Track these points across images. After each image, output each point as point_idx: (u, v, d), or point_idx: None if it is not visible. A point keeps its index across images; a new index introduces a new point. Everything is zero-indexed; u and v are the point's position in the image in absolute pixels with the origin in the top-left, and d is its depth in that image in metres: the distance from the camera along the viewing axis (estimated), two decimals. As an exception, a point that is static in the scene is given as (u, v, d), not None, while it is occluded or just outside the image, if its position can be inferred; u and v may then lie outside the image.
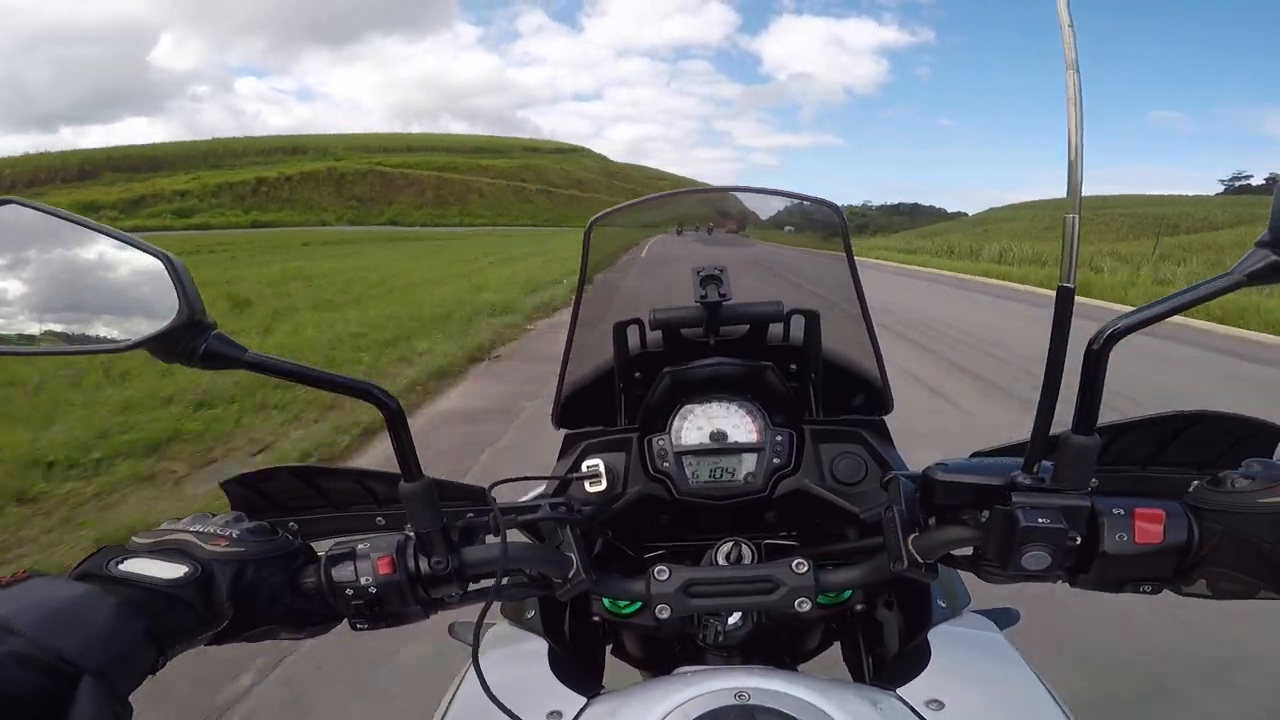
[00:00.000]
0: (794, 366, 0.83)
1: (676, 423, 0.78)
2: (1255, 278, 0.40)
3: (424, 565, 0.53)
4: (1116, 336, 0.42)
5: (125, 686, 0.40)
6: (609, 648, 0.88)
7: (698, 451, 0.77)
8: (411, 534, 0.54)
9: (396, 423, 0.49)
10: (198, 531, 0.50)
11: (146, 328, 0.43)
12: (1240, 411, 0.57)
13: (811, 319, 0.81)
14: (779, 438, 0.76)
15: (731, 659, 0.72)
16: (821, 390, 0.83)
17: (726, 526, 0.79)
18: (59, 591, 0.40)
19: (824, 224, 0.93)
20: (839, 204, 0.83)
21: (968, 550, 0.52)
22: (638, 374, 0.85)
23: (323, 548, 0.56)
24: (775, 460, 0.76)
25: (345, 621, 0.55)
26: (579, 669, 0.67)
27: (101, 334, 0.46)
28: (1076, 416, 0.44)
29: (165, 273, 0.43)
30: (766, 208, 1.09)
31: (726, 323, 0.79)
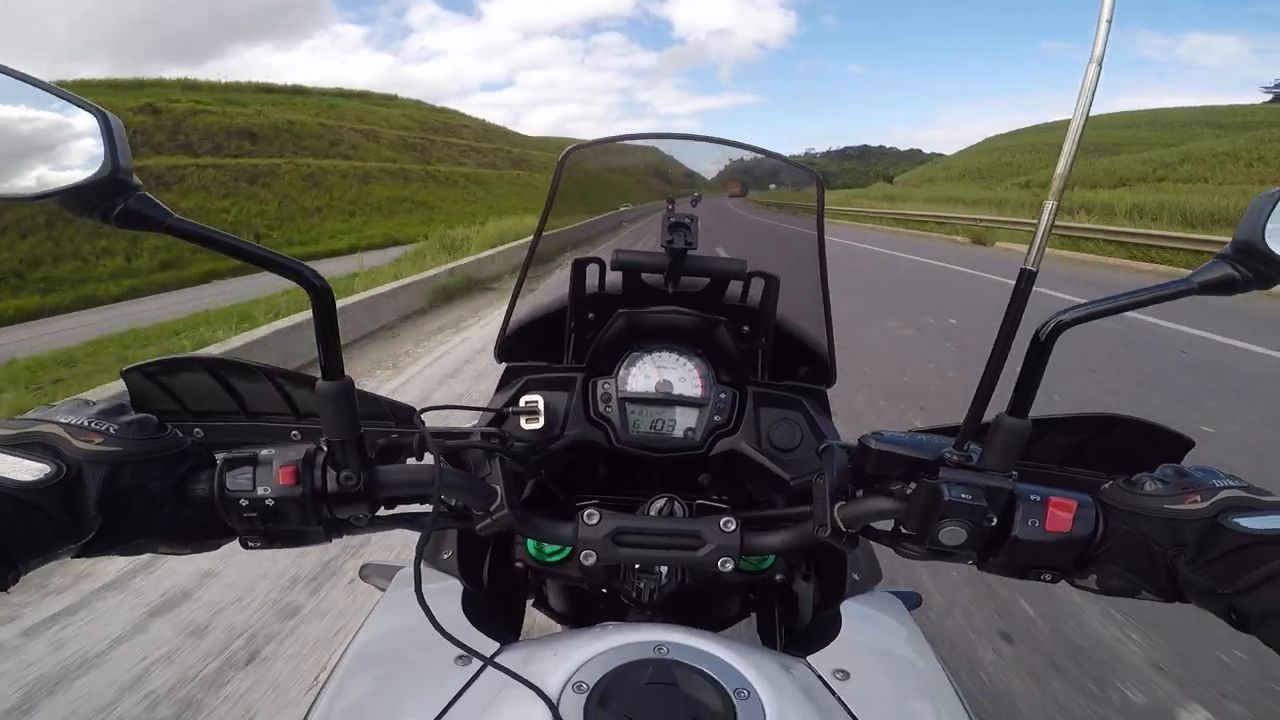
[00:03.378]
0: (746, 328, 0.83)
1: (624, 368, 0.77)
2: (1207, 287, 0.42)
3: (332, 480, 0.49)
4: (1063, 326, 0.43)
5: None
6: (530, 601, 0.88)
7: (642, 400, 0.76)
8: (324, 445, 0.50)
9: (324, 308, 0.45)
10: (68, 424, 0.44)
11: (64, 180, 0.40)
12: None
13: (771, 283, 0.81)
14: (722, 395, 0.76)
15: (654, 619, 0.72)
16: (770, 355, 0.84)
17: (660, 484, 0.79)
18: None
19: (802, 191, 0.93)
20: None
21: (888, 526, 0.53)
22: (591, 315, 0.83)
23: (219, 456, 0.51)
24: (716, 418, 0.76)
25: (236, 540, 0.51)
26: (495, 616, 0.65)
27: (15, 182, 0.43)
28: (1014, 399, 0.44)
29: (99, 129, 0.41)
30: (748, 167, 1.07)
31: (689, 273, 0.79)
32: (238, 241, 0.43)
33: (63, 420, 0.44)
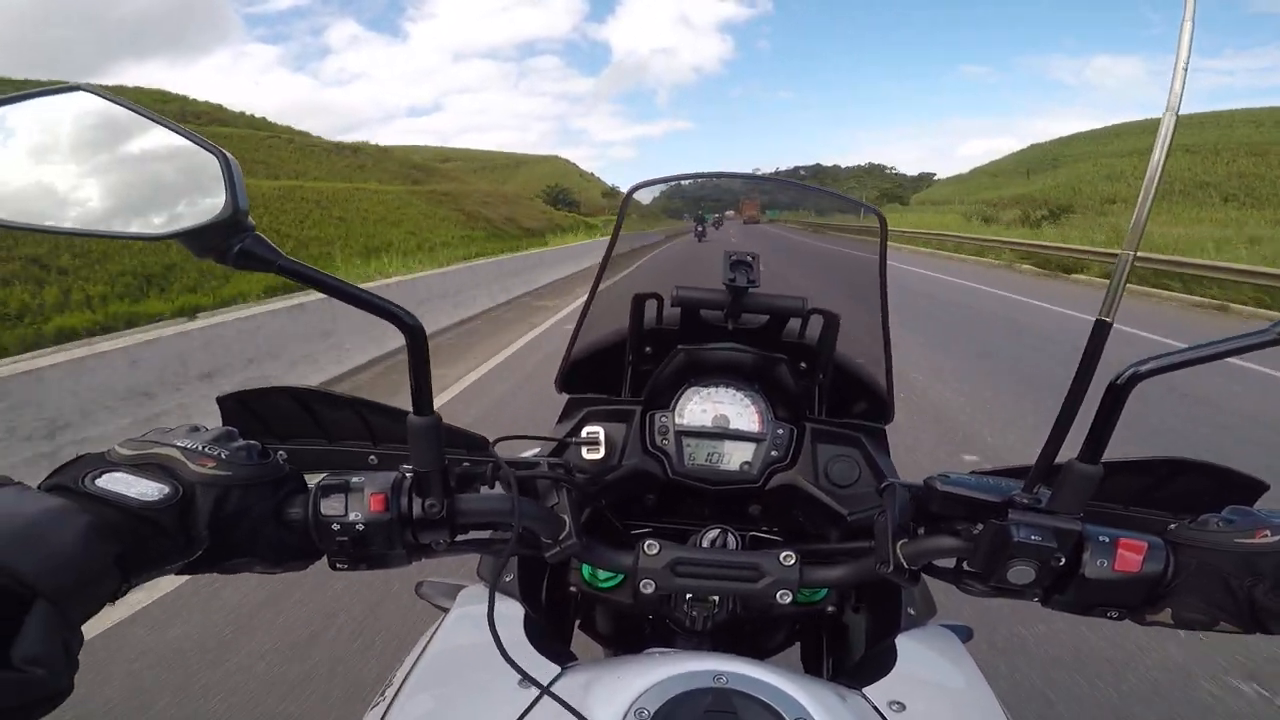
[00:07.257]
0: (804, 365, 0.84)
1: (681, 402, 0.79)
2: None
3: (417, 507, 0.52)
4: (1140, 377, 0.43)
5: (81, 615, 0.37)
6: (578, 622, 0.88)
7: (699, 433, 0.78)
8: (409, 473, 0.52)
9: (418, 348, 0.47)
10: (185, 447, 0.46)
11: (187, 220, 0.43)
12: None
13: (831, 320, 0.82)
14: (780, 431, 0.77)
15: (700, 646, 0.73)
16: (828, 391, 0.84)
17: (711, 515, 0.80)
18: (26, 506, 0.36)
19: (863, 228, 0.94)
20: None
21: (949, 563, 0.54)
22: (649, 349, 0.85)
23: (310, 481, 0.53)
24: (773, 453, 0.77)
25: (324, 560, 0.53)
26: (552, 638, 0.66)
27: (142, 221, 0.46)
28: (1086, 445, 0.45)
29: (219, 170, 0.43)
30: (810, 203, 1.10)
31: (749, 310, 0.80)
32: (340, 283, 0.45)
33: (180, 444, 0.47)
